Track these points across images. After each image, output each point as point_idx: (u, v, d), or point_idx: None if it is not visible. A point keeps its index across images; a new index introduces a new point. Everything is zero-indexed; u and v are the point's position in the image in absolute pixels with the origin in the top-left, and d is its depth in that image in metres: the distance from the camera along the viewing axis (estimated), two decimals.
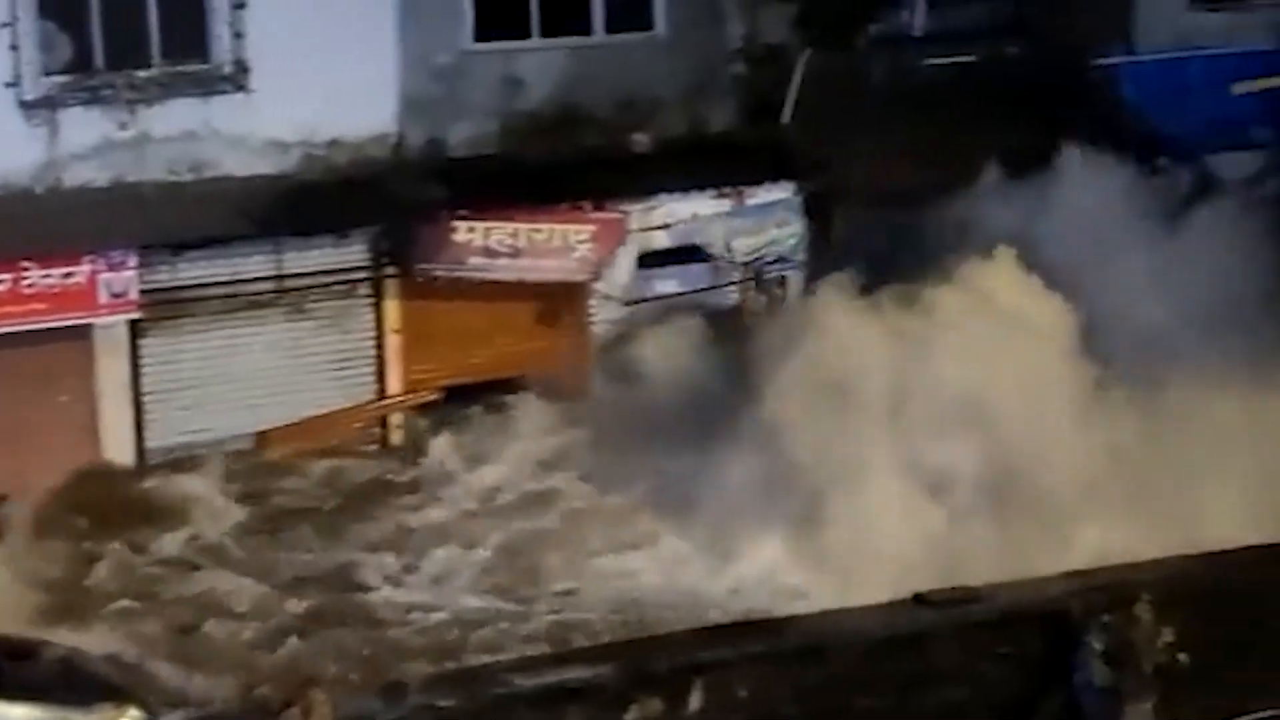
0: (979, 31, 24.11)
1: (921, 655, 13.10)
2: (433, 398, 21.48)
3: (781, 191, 22.34)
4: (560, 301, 21.92)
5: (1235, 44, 21.95)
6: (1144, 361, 18.59)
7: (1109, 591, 13.52)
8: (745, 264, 22.38)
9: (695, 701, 12.51)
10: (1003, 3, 24.45)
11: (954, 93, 22.60)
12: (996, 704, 13.11)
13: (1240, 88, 16.15)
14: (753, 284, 22.35)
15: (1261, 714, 13.61)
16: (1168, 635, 13.41)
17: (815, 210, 22.18)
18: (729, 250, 22.32)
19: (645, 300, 22.14)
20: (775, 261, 22.39)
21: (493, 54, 21.95)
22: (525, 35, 22.11)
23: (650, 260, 22.19)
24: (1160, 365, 18.57)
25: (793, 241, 22.33)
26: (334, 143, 21.16)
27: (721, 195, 22.29)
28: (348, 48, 20.63)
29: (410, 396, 21.43)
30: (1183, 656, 13.39)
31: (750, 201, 22.36)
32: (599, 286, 21.98)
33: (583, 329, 22.07)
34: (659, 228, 22.10)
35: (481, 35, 21.89)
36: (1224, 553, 14.46)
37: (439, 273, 21.28)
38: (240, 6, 20.62)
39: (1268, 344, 18.74)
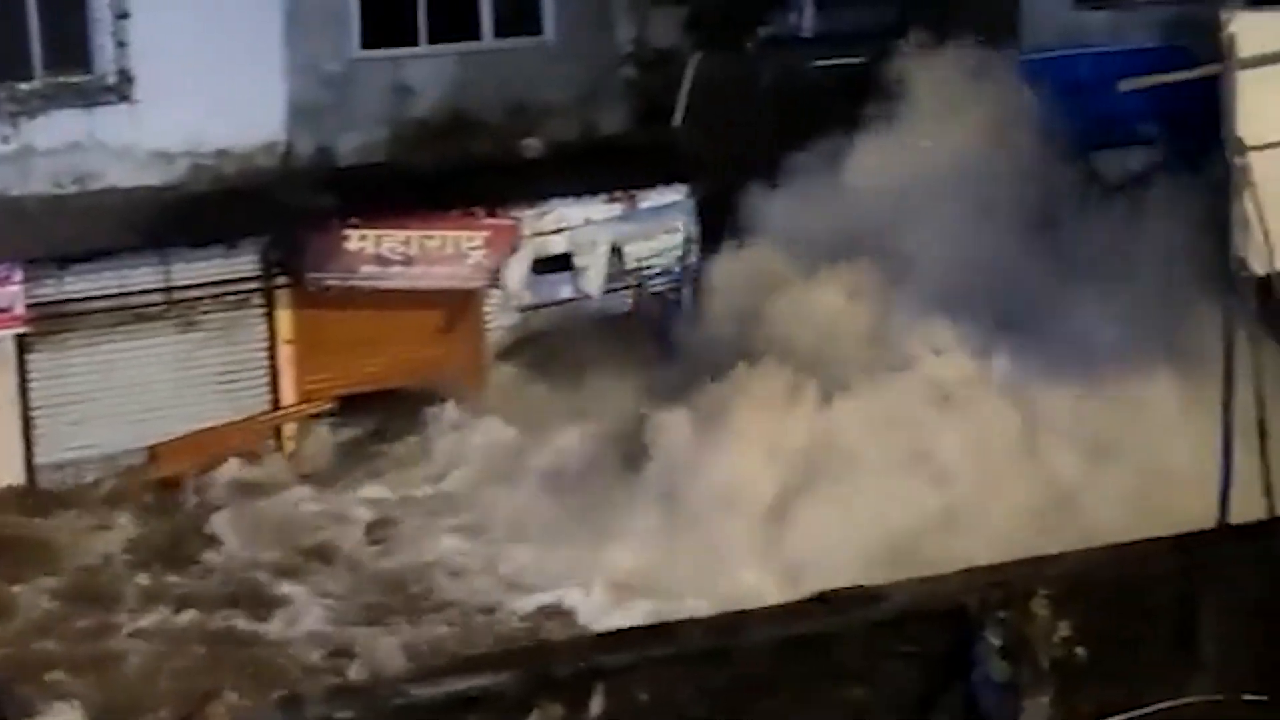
0: (867, 33, 24.19)
1: (823, 655, 13.11)
2: (327, 408, 21.36)
3: (674, 194, 22.35)
4: (455, 308, 21.84)
5: (1121, 42, 22.18)
6: (1032, 357, 18.70)
7: (1006, 588, 13.57)
8: (638, 267, 22.38)
9: (596, 706, 12.46)
10: (890, 4, 24.56)
11: (843, 94, 22.66)
12: (897, 701, 13.16)
13: (1127, 85, 16.26)
14: (645, 287, 22.34)
15: (1157, 706, 13.70)
16: (1064, 630, 13.48)
17: (707, 212, 22.19)
18: (620, 254, 22.31)
19: (540, 306, 22.09)
20: (668, 263, 22.41)
21: (381, 61, 21.87)
22: (413, 42, 22.04)
23: (545, 265, 22.15)
24: (1050, 361, 18.68)
25: (685, 244, 22.34)
26: (221, 152, 21.01)
27: (613, 199, 22.29)
28: (234, 56, 20.48)
29: (304, 407, 21.29)
30: (1079, 650, 13.47)
31: (643, 205, 22.37)
32: (494, 292, 21.91)
33: (478, 335, 21.99)
34: (552, 232, 22.07)
35: (369, 42, 21.80)
36: (1118, 546, 14.56)
37: (331, 282, 21.15)
38: (123, 16, 20.42)
39: (1154, 340, 18.88)
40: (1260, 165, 14.90)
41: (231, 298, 20.95)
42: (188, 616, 17.69)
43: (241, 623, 17.54)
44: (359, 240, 21.16)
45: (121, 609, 17.85)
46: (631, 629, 13.98)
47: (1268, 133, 15.02)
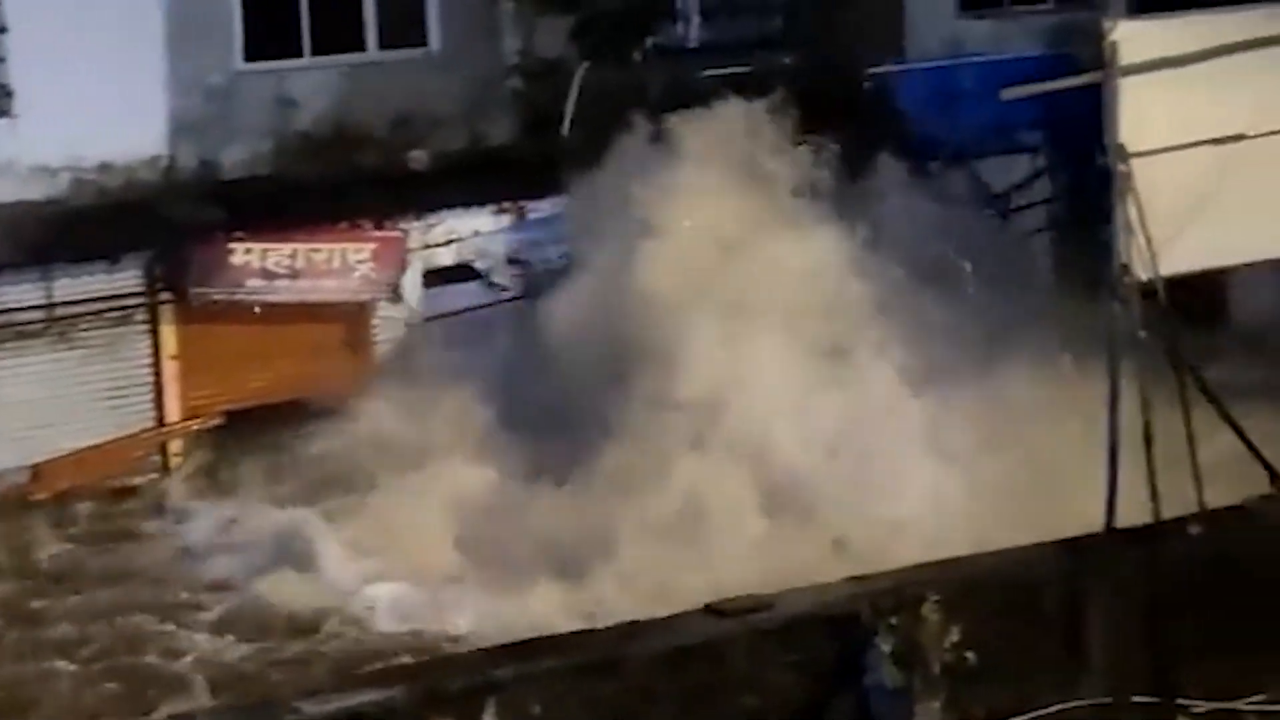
0: (754, 43, 24.28)
1: (714, 665, 13.09)
2: (213, 424, 21.17)
3: (563, 204, 22.31)
4: (343, 321, 21.72)
5: (1003, 50, 22.34)
6: (913, 366, 18.79)
7: (896, 594, 13.60)
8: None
9: None
10: (776, 14, 24.66)
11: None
12: (789, 710, 13.15)
13: (1009, 93, 16.36)
14: (535, 297, 22.30)
15: (1048, 709, 13.77)
16: (955, 635, 13.52)
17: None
18: (511, 265, 22.28)
19: (430, 318, 22.00)
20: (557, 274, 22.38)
21: (264, 74, 21.74)
22: (297, 54, 21.92)
23: (435, 278, 22.06)
24: (929, 368, 18.78)
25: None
26: (104, 166, 20.82)
27: (502, 210, 22.22)
28: (115, 70, 20.33)
29: (189, 423, 21.09)
30: (970, 655, 13.51)
31: (532, 216, 22.32)
32: (382, 305, 21.80)
33: (366, 348, 21.87)
34: (442, 245, 21.99)
35: (252, 55, 21.67)
36: (1007, 551, 14.63)
37: (217, 296, 21.01)
38: (2, 30, 20.20)
39: (1037, 346, 19.02)
40: (1142, 172, 15.01)
41: (115, 314, 20.76)
42: None
43: None
44: (244, 254, 21.02)
45: None
46: (522, 642, 13.90)
47: (1150, 139, 15.13)
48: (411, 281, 21.87)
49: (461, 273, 22.31)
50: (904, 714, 13.32)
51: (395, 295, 21.76)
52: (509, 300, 22.24)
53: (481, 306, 22.19)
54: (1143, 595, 14.14)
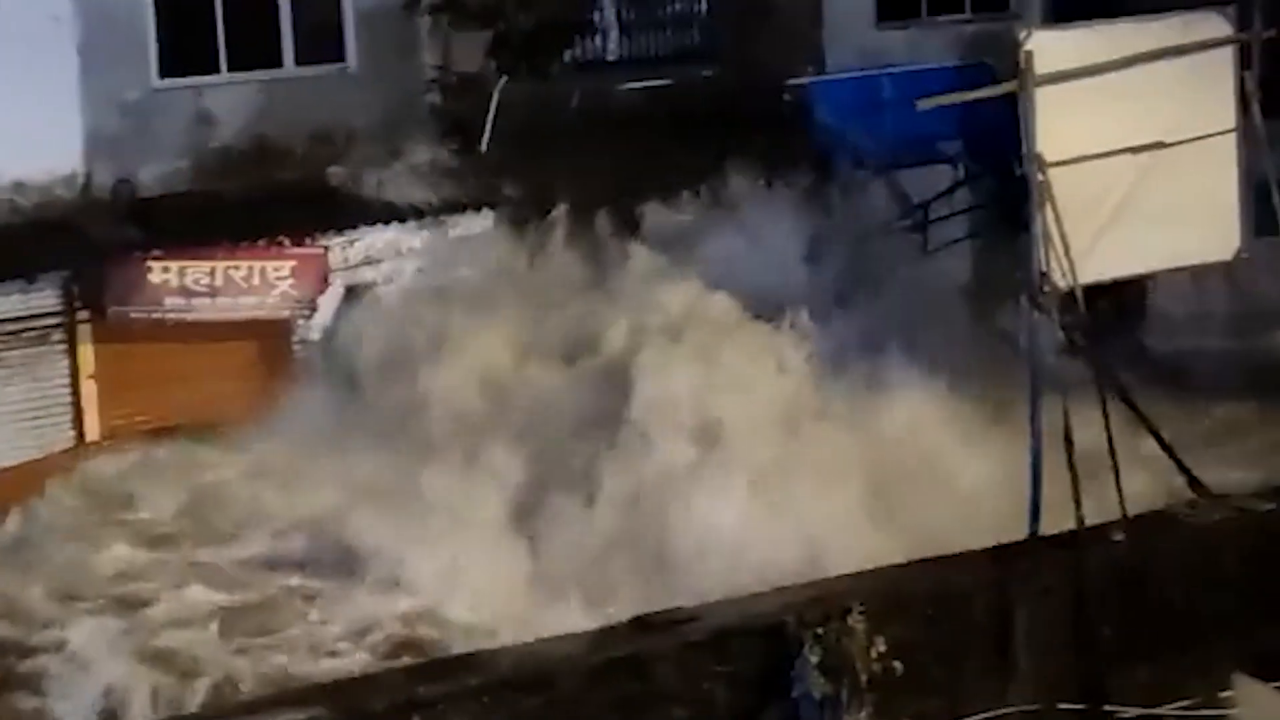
0: (672, 56, 24.33)
1: (641, 677, 13.07)
2: (131, 444, 21.00)
3: (482, 221, 22.26)
4: (263, 339, 21.57)
5: (922, 60, 22.41)
6: (833, 375, 18.80)
7: (823, 604, 13.62)
8: None
9: None
10: (694, 28, 24.71)
11: (650, 117, 22.73)
12: None
13: (925, 104, 16.43)
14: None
15: (976, 717, 13.81)
16: (881, 644, 13.55)
17: (516, 237, 22.13)
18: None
19: None
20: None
21: (181, 90, 21.61)
22: (214, 70, 21.80)
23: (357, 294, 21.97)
24: (849, 378, 18.79)
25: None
26: (18, 185, 20.63)
27: (422, 227, 22.15)
28: (28, 87, 20.11)
29: (107, 443, 20.91)
30: (897, 664, 13.54)
31: (452, 233, 22.25)
32: (302, 323, 21.69)
33: (287, 366, 21.72)
34: (363, 263, 21.90)
35: (169, 71, 21.54)
36: (934, 560, 14.67)
37: (135, 315, 20.83)
38: None
39: (958, 356, 19.08)
40: (1060, 180, 15.09)
41: (32, 333, 20.56)
42: None
43: None
44: (163, 272, 20.86)
45: None
46: (447, 659, 13.85)
47: (1067, 148, 15.22)
48: (331, 299, 21.73)
49: None
50: None
51: (314, 313, 21.64)
52: None
53: None
54: (1068, 602, 14.21)
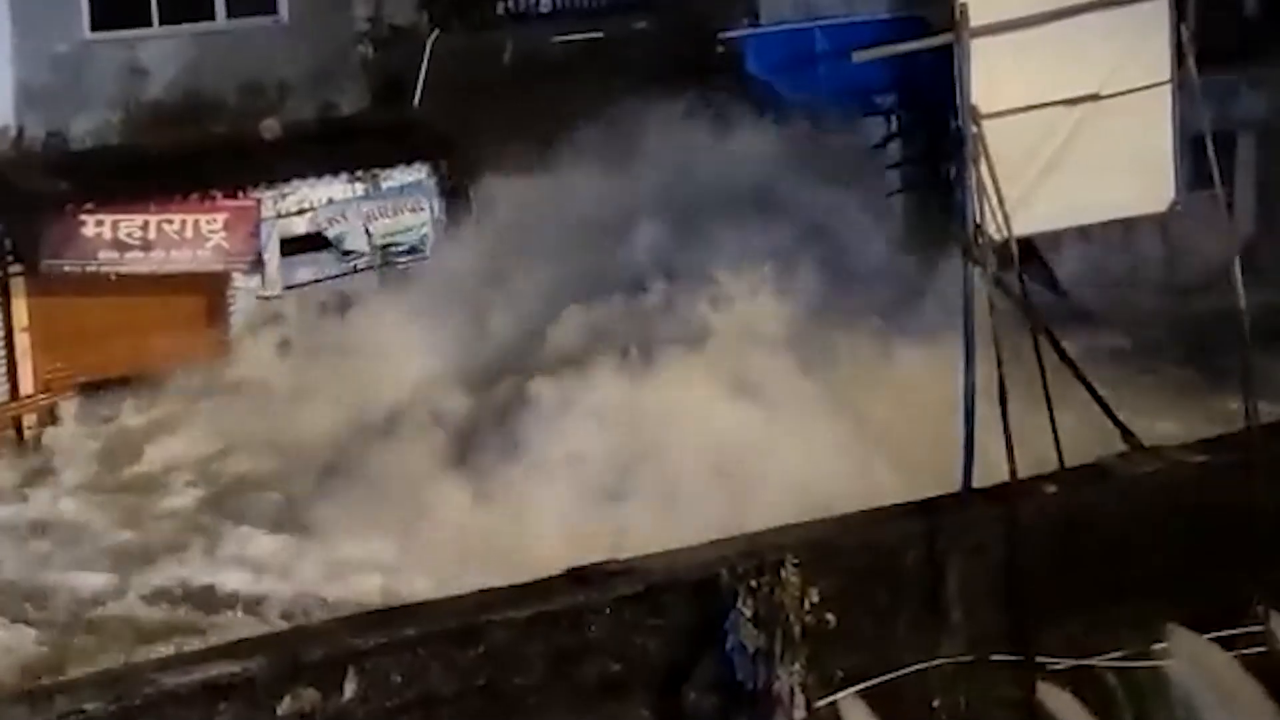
0: (606, 8, 24.26)
1: (574, 630, 13.08)
2: (67, 396, 20.90)
3: (416, 173, 22.20)
4: (198, 292, 21.49)
5: (856, 12, 22.40)
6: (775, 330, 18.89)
7: (757, 556, 13.63)
8: (382, 247, 22.20)
9: (350, 689, 12.32)
10: None
11: (582, 69, 22.68)
12: (652, 673, 13.17)
13: (859, 56, 16.39)
14: (389, 266, 22.20)
15: (908, 669, 13.87)
16: (814, 596, 13.57)
17: (449, 190, 22.09)
18: (367, 234, 22.14)
19: (286, 288, 21.83)
20: (414, 241, 22.28)
21: (113, 43, 21.51)
22: (146, 23, 21.69)
23: (291, 247, 21.88)
24: (789, 334, 18.88)
25: (427, 223, 22.22)
26: None
27: (355, 179, 22.08)
28: None
29: (42, 397, 20.81)
30: (830, 616, 13.56)
31: (385, 185, 22.19)
32: (237, 276, 21.61)
33: (222, 318, 21.66)
34: (295, 214, 21.82)
35: (100, 23, 21.44)
36: (866, 512, 14.69)
37: (68, 268, 20.73)
38: None
39: (892, 307, 19.16)
40: (994, 132, 15.09)
41: None
42: None
43: None
44: (95, 225, 20.74)
45: None
46: (382, 610, 13.83)
47: (1001, 100, 15.20)
48: (271, 251, 21.65)
49: (319, 242, 22.15)
50: (765, 676, 13.37)
51: (254, 265, 21.55)
52: (370, 268, 22.12)
53: (338, 276, 22.03)
54: (1001, 554, 14.26)
